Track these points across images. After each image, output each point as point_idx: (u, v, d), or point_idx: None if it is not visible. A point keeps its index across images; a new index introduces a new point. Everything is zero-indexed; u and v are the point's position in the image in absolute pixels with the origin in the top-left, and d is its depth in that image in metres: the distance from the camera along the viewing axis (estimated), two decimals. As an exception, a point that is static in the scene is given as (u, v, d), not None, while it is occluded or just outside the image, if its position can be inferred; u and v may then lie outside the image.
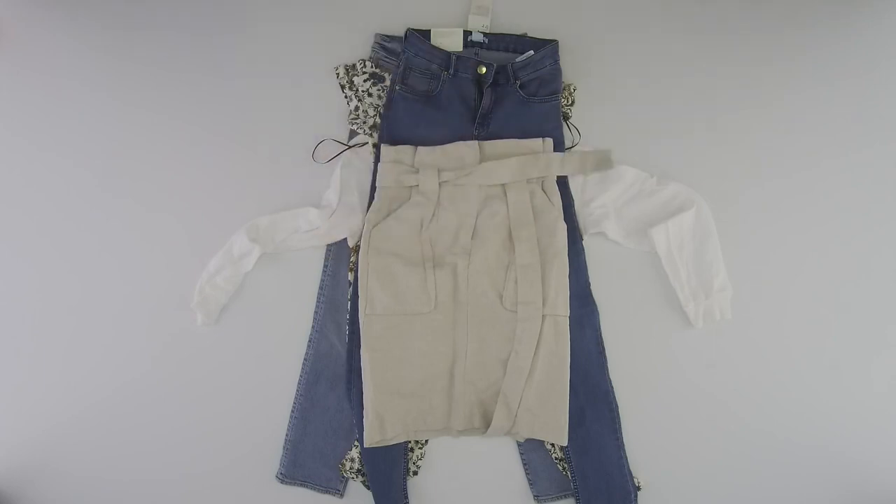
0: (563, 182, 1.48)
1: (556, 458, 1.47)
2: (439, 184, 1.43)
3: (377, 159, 1.48)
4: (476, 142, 1.45)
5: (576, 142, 1.54)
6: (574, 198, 1.50)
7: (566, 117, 1.54)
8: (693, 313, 1.48)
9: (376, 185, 1.46)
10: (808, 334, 1.51)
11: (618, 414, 1.47)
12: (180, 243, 1.54)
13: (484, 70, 1.46)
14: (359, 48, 1.58)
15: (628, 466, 1.46)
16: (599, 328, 1.49)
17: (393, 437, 1.38)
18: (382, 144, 1.47)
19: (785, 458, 1.49)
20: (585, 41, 1.58)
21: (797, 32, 1.60)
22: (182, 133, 1.58)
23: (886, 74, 1.58)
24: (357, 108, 1.52)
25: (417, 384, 1.40)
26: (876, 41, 1.60)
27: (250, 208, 1.53)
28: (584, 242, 1.50)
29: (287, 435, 1.49)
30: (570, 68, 1.55)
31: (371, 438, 1.37)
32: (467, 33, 1.52)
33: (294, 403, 1.50)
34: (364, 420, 1.38)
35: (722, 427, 1.49)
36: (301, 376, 1.50)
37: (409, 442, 1.47)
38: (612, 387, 1.48)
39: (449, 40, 1.51)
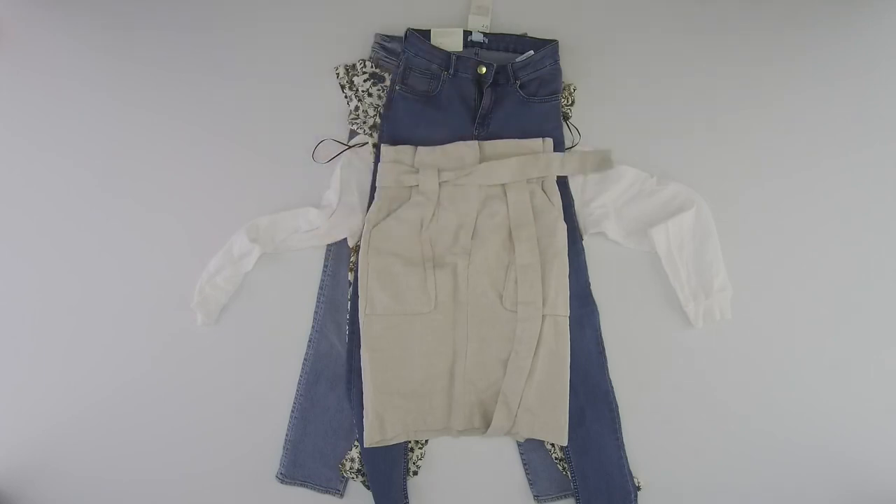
0: (563, 182, 1.48)
1: (556, 458, 1.47)
2: (439, 184, 1.43)
3: (377, 159, 1.48)
4: (476, 142, 1.45)
5: (576, 142, 1.54)
6: (574, 198, 1.50)
7: (566, 117, 1.54)
8: (693, 313, 1.48)
9: (376, 185, 1.46)
10: (809, 334, 1.51)
11: (618, 414, 1.47)
12: (180, 243, 1.54)
13: (484, 70, 1.46)
14: (359, 48, 1.58)
15: (628, 466, 1.46)
16: (599, 328, 1.49)
17: (393, 437, 1.38)
18: (382, 144, 1.47)
19: (785, 458, 1.49)
20: (585, 41, 1.58)
21: (797, 32, 1.60)
22: (182, 133, 1.58)
23: (886, 74, 1.58)
24: (357, 108, 1.52)
25: (417, 384, 1.40)
26: (876, 41, 1.60)
27: (250, 208, 1.53)
28: (584, 242, 1.50)
29: (287, 435, 1.49)
30: (570, 68, 1.55)
31: (371, 438, 1.37)
32: (467, 33, 1.52)
33: (294, 403, 1.50)
34: (364, 420, 1.38)
35: (722, 427, 1.49)
36: (301, 376, 1.50)
37: (409, 442, 1.47)
38: (612, 387, 1.48)
39: (449, 40, 1.51)
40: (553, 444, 1.46)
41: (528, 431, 1.38)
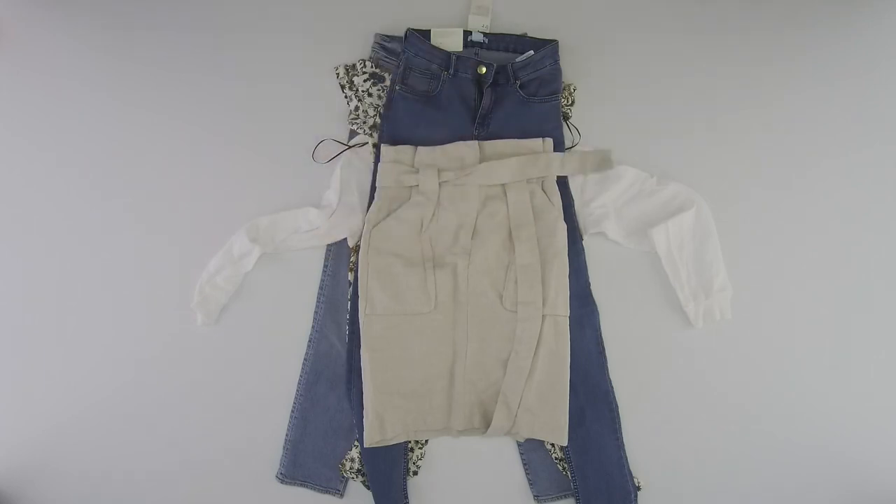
0: (563, 182, 1.48)
1: (556, 458, 1.47)
2: (439, 184, 1.43)
3: (377, 159, 1.48)
4: (476, 142, 1.45)
5: (576, 142, 1.54)
6: (574, 198, 1.50)
7: (566, 117, 1.54)
8: (693, 313, 1.48)
9: (376, 185, 1.46)
10: (809, 334, 1.51)
11: (618, 414, 1.47)
12: (180, 243, 1.54)
13: (484, 70, 1.46)
14: (359, 48, 1.58)
15: (628, 466, 1.46)
16: (599, 328, 1.49)
17: (393, 437, 1.38)
18: (382, 144, 1.47)
19: (785, 458, 1.49)
20: (585, 41, 1.58)
21: (797, 32, 1.60)
22: (182, 133, 1.58)
23: (886, 74, 1.58)
24: (357, 108, 1.52)
25: (417, 384, 1.40)
26: (876, 41, 1.60)
27: (250, 208, 1.53)
28: (584, 242, 1.50)
29: (287, 435, 1.49)
30: (570, 68, 1.55)
31: (371, 438, 1.37)
32: (467, 33, 1.52)
33: (294, 403, 1.50)
34: (364, 420, 1.38)
35: (722, 427, 1.49)
36: (301, 376, 1.50)
37: (409, 442, 1.47)
38: (612, 387, 1.48)
39: (449, 40, 1.51)
40: (553, 444, 1.46)
41: (528, 431, 1.38)
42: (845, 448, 1.49)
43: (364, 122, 1.51)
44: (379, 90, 1.52)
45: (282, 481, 1.48)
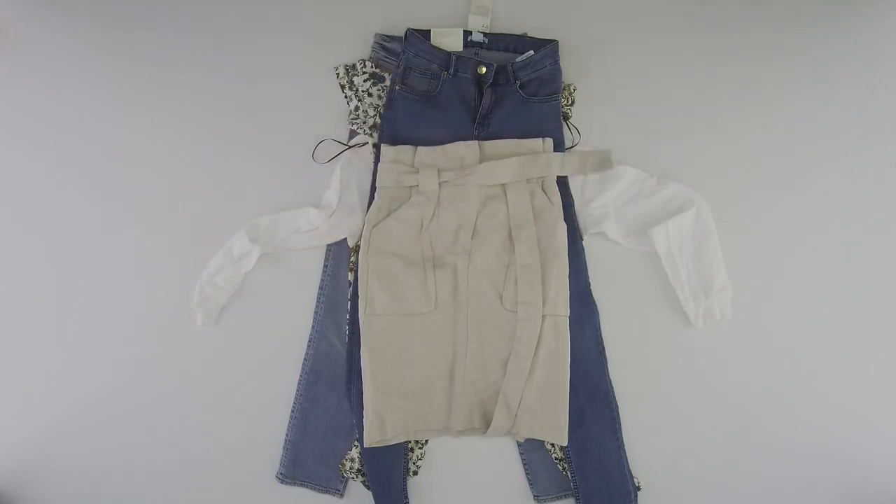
0: (563, 182, 1.48)
1: (556, 458, 1.47)
2: (439, 184, 1.43)
3: (377, 159, 1.48)
4: (476, 142, 1.45)
5: (576, 142, 1.54)
6: (574, 198, 1.50)
7: (566, 117, 1.54)
8: (693, 313, 1.48)
9: (376, 185, 1.46)
10: (808, 334, 1.51)
11: (618, 414, 1.47)
12: (180, 243, 1.54)
13: (484, 70, 1.46)
14: (359, 48, 1.58)
15: (628, 466, 1.46)
16: (599, 328, 1.49)
17: (393, 437, 1.38)
18: (382, 144, 1.47)
19: (785, 458, 1.49)
20: (585, 41, 1.58)
21: (797, 32, 1.60)
22: (182, 133, 1.58)
23: (886, 74, 1.58)
24: (357, 108, 1.53)
25: (417, 384, 1.40)
26: (876, 41, 1.60)
27: (250, 208, 1.53)
28: (584, 242, 1.50)
29: (287, 435, 1.49)
30: (570, 68, 1.55)
31: (371, 438, 1.37)
32: (467, 33, 1.52)
33: (294, 403, 1.50)
34: (364, 420, 1.38)
35: (722, 427, 1.49)
36: (301, 376, 1.50)
37: (409, 442, 1.47)
38: (612, 387, 1.48)
39: (449, 40, 1.51)
40: (553, 444, 1.46)
41: (528, 431, 1.38)
42: (845, 448, 1.49)
43: (364, 122, 1.51)
44: (379, 90, 1.52)
45: (282, 481, 1.48)
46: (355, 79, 1.54)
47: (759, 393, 1.50)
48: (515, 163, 1.43)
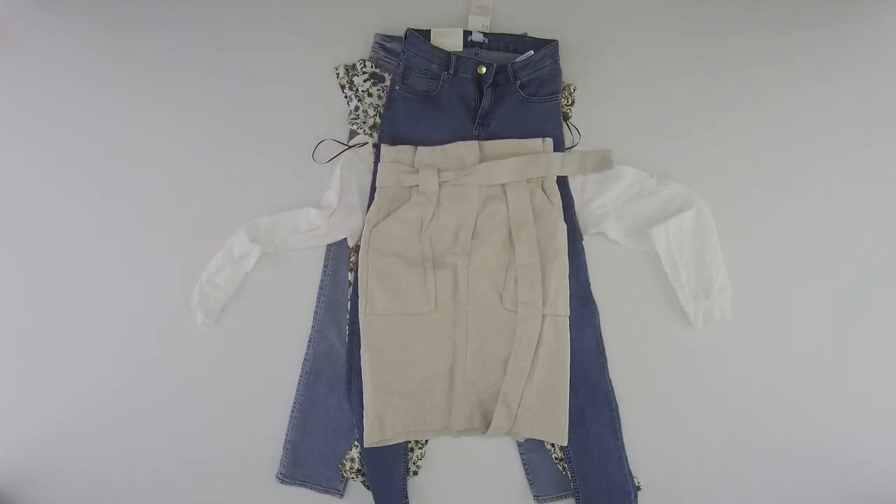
0: (563, 182, 1.48)
1: (556, 458, 1.47)
2: (439, 184, 1.43)
3: (377, 159, 1.48)
4: (476, 142, 1.45)
5: (576, 142, 1.54)
6: (574, 198, 1.50)
7: (566, 117, 1.54)
8: (693, 313, 1.48)
9: (376, 185, 1.46)
10: (808, 334, 1.51)
11: (618, 414, 1.47)
12: (180, 243, 1.54)
13: (484, 70, 1.46)
14: (359, 48, 1.58)
15: (628, 466, 1.46)
16: (599, 328, 1.49)
17: (393, 437, 1.38)
18: (382, 144, 1.47)
19: (785, 458, 1.49)
20: (585, 41, 1.58)
21: (797, 32, 1.60)
22: (182, 133, 1.58)
23: (886, 74, 1.58)
24: (357, 108, 1.53)
25: (417, 384, 1.40)
26: (876, 41, 1.60)
27: (250, 208, 1.53)
28: (584, 242, 1.50)
29: (287, 435, 1.49)
30: (570, 68, 1.55)
31: (371, 438, 1.37)
32: (467, 33, 1.52)
33: (294, 403, 1.50)
34: (364, 420, 1.38)
35: (722, 427, 1.49)
36: (301, 376, 1.50)
37: (409, 442, 1.47)
38: (612, 387, 1.48)
39: (449, 40, 1.51)
40: (553, 444, 1.46)
41: (528, 431, 1.38)
42: (845, 448, 1.49)
43: (364, 122, 1.51)
44: (379, 90, 1.52)
45: (282, 481, 1.48)
46: (355, 79, 1.54)
47: (759, 393, 1.50)
48: (515, 163, 1.43)
